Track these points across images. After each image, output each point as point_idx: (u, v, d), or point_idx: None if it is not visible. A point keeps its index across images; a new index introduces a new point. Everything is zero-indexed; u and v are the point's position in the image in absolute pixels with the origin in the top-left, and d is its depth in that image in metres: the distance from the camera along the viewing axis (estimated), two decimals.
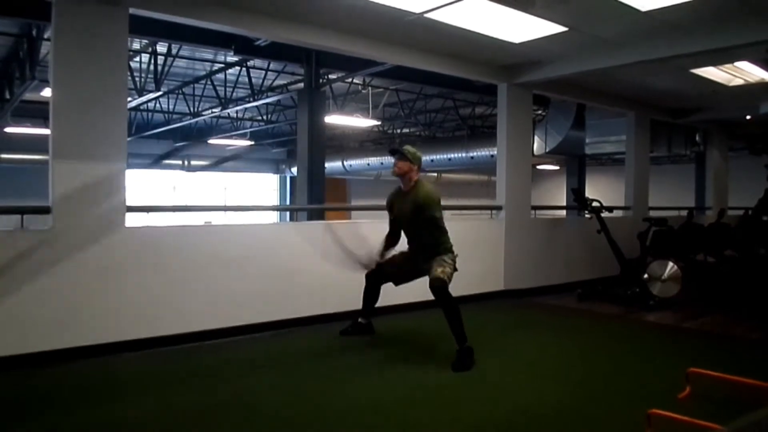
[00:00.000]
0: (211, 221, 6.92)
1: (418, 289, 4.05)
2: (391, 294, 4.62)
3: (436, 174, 19.20)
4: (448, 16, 4.54)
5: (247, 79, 10.43)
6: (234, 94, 11.64)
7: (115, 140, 3.99)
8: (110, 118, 3.97)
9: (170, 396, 3.22)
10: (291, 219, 9.41)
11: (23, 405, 3.06)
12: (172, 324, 4.19)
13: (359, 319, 4.51)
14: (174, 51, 9.47)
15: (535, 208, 6.91)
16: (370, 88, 11.67)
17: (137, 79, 9.83)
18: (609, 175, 17.91)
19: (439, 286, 3.85)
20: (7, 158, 13.75)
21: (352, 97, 12.02)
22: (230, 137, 16.14)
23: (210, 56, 10.13)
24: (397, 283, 4.38)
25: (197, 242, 4.40)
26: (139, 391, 3.29)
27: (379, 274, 4.37)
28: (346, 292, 4.96)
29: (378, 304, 4.53)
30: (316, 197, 8.87)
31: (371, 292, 4.44)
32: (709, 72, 6.34)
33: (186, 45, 8.80)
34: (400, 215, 4.22)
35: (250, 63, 9.88)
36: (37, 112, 10.67)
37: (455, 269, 4.03)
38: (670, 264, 6.00)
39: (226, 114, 13.93)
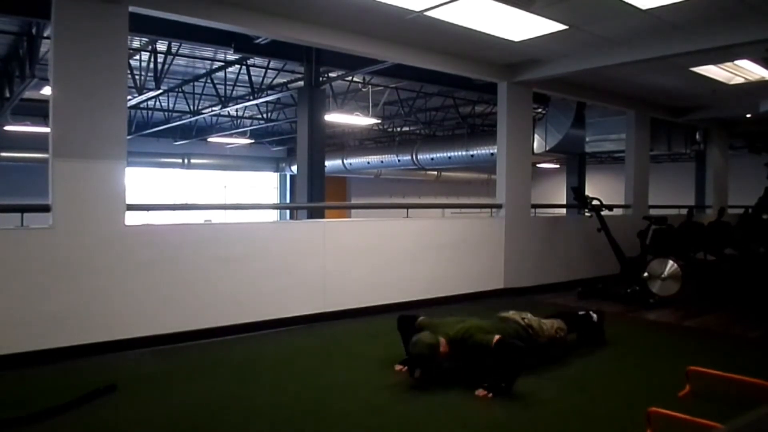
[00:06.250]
0: (210, 219, 6.91)
1: (412, 288, 3.97)
2: (383, 293, 4.62)
3: (436, 172, 19.22)
4: (449, 15, 4.54)
5: (246, 78, 10.42)
6: (234, 92, 11.63)
7: (114, 138, 3.99)
8: (110, 117, 3.97)
9: (169, 395, 3.22)
10: (291, 217, 9.40)
11: (22, 403, 3.06)
12: (172, 322, 4.20)
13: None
14: (174, 49, 9.47)
15: (535, 206, 6.92)
16: (370, 86, 11.65)
17: (137, 77, 9.81)
18: (609, 174, 17.91)
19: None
20: (7, 156, 13.73)
21: (352, 96, 12.00)
22: (230, 135, 16.13)
23: (210, 54, 10.11)
24: None
25: (197, 240, 4.40)
26: (138, 389, 3.29)
27: None
28: (346, 291, 4.97)
29: (372, 303, 4.41)
30: (316, 195, 8.86)
31: None
32: (710, 70, 6.33)
33: (186, 43, 8.79)
34: None
35: (250, 61, 9.87)
36: (37, 111, 10.67)
37: None
38: (670, 262, 6.00)
39: (226, 112, 13.92)
